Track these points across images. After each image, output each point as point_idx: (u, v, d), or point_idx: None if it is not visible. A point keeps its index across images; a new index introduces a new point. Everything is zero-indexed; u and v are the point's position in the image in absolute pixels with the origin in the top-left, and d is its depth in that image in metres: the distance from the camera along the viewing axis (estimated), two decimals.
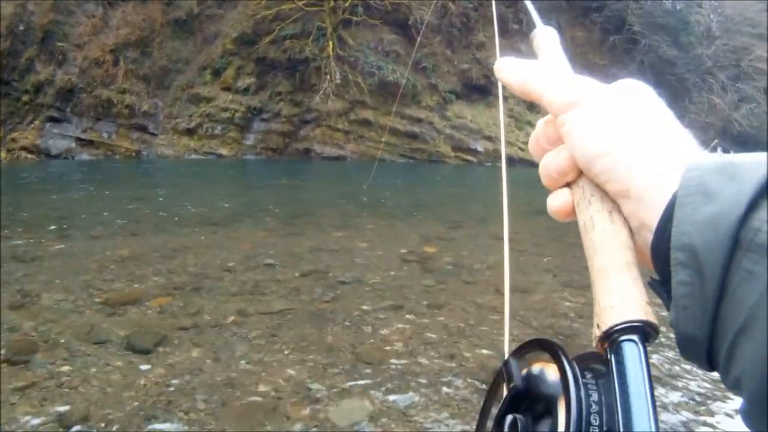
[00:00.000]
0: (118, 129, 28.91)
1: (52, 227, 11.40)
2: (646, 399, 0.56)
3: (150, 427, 4.38)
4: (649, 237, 0.65)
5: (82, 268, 8.29)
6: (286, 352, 5.73)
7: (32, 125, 27.54)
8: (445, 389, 5.08)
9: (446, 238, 11.47)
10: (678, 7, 41.72)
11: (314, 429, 4.41)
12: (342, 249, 10.13)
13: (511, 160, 33.31)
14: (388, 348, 5.94)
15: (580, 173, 0.74)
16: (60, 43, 28.87)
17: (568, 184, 0.77)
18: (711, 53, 42.64)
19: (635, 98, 0.72)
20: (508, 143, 34.26)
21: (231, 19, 32.29)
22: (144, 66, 30.51)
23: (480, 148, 33.28)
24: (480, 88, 35.07)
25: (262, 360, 5.53)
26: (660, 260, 0.63)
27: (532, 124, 36.30)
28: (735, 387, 0.57)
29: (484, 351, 5.96)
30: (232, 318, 6.55)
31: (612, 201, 0.70)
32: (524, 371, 0.68)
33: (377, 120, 31.31)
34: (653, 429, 0.54)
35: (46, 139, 27.88)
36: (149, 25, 30.90)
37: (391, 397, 4.91)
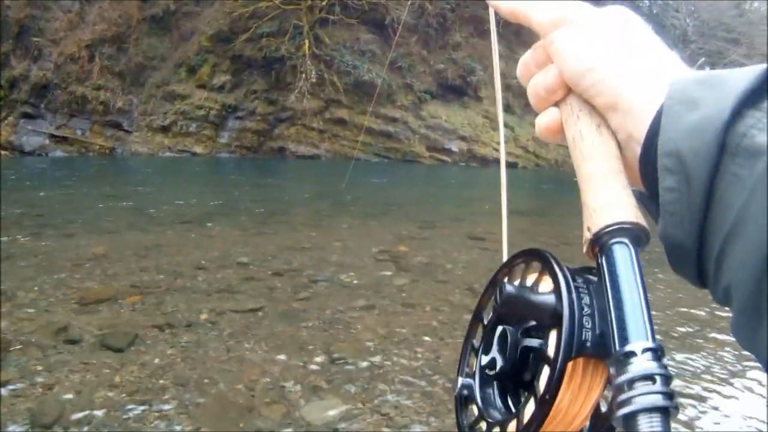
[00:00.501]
0: (93, 126, 28.68)
1: (26, 224, 11.31)
2: (639, 300, 0.56)
3: (123, 426, 4.39)
4: (638, 149, 0.66)
5: (56, 266, 8.25)
6: (259, 350, 5.74)
7: (6, 121, 27.29)
8: (419, 387, 5.12)
9: (420, 237, 11.50)
10: (654, 11, 42.11)
11: (288, 429, 4.42)
12: (316, 248, 10.13)
13: (484, 160, 33.39)
14: (361, 346, 5.97)
15: (568, 91, 0.75)
16: (35, 39, 28.65)
17: (556, 104, 0.77)
18: (686, 57, 43.04)
19: (625, 21, 0.73)
20: (482, 143, 34.32)
21: (207, 16, 32.14)
22: (119, 62, 30.32)
23: (454, 148, 33.31)
24: (455, 89, 35.12)
25: (235, 358, 5.54)
26: (648, 173, 0.64)
27: (507, 125, 36.46)
28: (724, 298, 0.58)
29: (457, 349, 5.98)
30: (205, 316, 6.55)
31: (600, 115, 0.71)
32: (516, 281, 0.69)
33: (352, 119, 31.29)
34: (647, 331, 0.54)
35: (20, 136, 27.59)
36: (125, 22, 30.70)
37: (365, 395, 4.94)
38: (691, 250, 0.59)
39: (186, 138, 29.69)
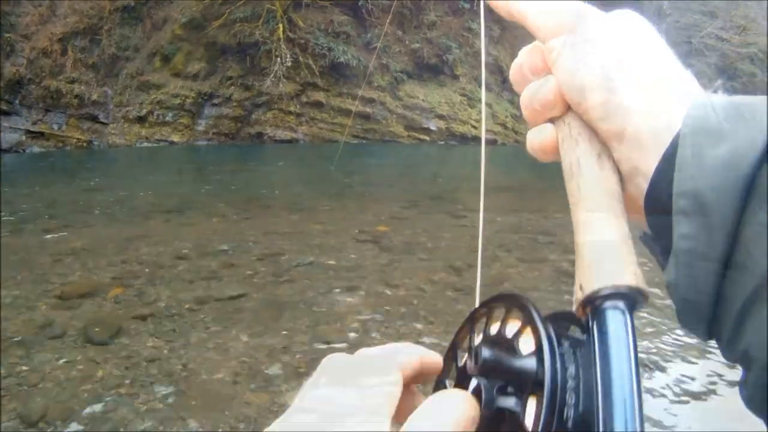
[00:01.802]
0: (68, 120, 28.41)
1: (5, 220, 11.25)
2: (630, 380, 0.49)
3: (109, 420, 4.38)
4: (644, 184, 0.57)
5: (35, 262, 8.21)
6: (243, 338, 5.75)
7: None
8: None
9: (400, 217, 11.50)
10: None
11: (273, 415, 4.42)
12: (296, 232, 10.12)
13: (463, 138, 33.38)
14: (344, 328, 5.99)
15: (568, 108, 0.65)
16: (7, 34, 28.33)
17: (552, 120, 0.68)
18: (662, 30, 43.13)
19: (636, 31, 0.64)
20: (460, 121, 34.29)
21: (180, 4, 31.83)
22: (93, 54, 30.01)
23: (433, 127, 33.24)
24: (432, 68, 35.03)
25: (219, 346, 5.54)
26: (655, 211, 0.56)
27: (485, 103, 36.49)
28: (741, 360, 0.51)
29: (440, 327, 6.04)
30: (188, 306, 6.53)
31: (601, 143, 0.63)
32: (492, 328, 0.62)
33: (329, 102, 31.21)
34: (636, 417, 0.47)
35: None
36: (97, 13, 30.34)
37: None
38: (705, 306, 0.52)
39: (163, 127, 29.46)
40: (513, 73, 0.72)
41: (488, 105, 35.34)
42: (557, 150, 0.66)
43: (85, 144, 28.36)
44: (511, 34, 33.39)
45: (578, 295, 0.56)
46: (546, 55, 0.67)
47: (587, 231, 0.59)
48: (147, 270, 7.81)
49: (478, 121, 36.64)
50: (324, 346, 5.56)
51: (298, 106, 31.13)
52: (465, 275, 7.61)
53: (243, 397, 4.71)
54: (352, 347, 5.57)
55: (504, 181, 17.44)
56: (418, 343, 0.54)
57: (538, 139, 0.68)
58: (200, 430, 4.36)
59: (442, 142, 32.92)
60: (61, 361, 5.26)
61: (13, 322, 6.09)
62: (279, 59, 30.15)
